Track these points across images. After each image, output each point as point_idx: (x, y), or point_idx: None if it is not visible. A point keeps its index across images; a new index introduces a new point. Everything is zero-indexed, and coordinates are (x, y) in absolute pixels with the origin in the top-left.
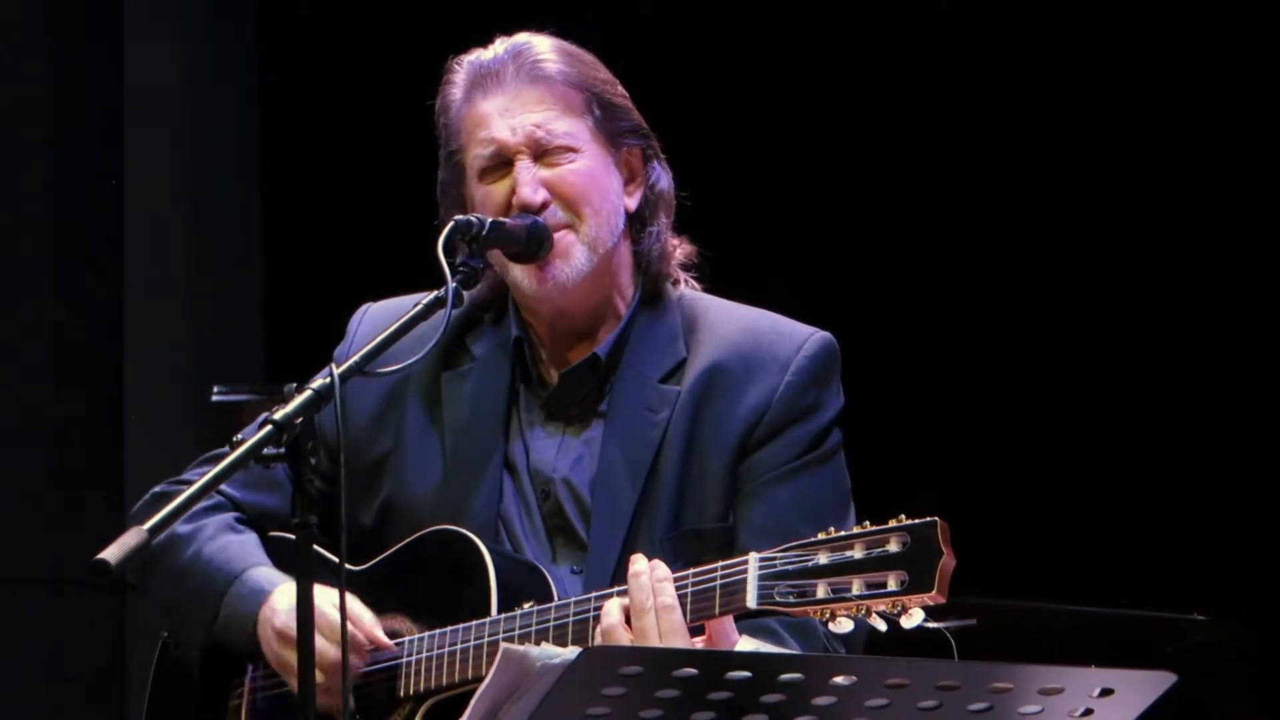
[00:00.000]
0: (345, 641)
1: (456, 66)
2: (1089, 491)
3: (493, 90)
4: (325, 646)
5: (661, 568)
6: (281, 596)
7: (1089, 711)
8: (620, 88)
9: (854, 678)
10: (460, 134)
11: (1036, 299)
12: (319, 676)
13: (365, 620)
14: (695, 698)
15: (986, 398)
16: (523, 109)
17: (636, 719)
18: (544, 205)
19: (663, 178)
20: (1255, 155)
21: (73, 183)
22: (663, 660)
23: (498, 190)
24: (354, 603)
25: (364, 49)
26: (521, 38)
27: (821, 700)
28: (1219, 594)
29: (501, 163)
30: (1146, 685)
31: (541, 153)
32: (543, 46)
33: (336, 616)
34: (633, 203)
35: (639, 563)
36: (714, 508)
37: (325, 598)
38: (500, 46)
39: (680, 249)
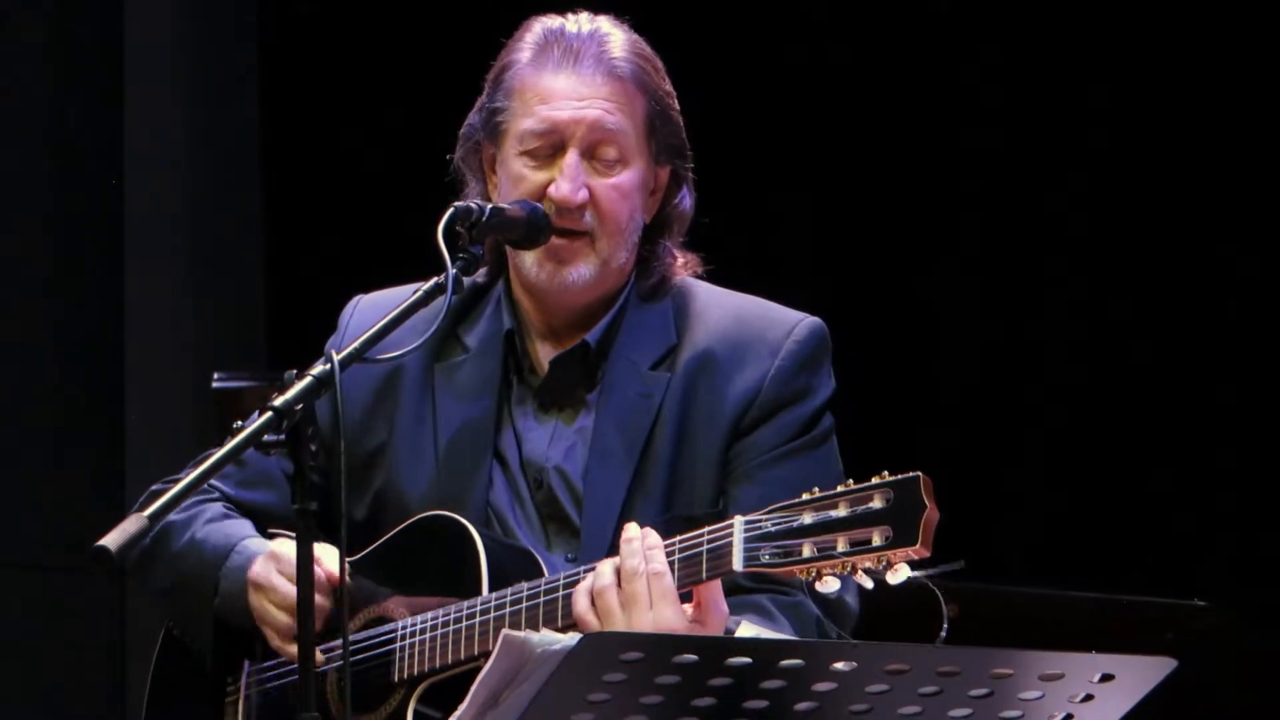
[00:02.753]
0: (346, 636)
1: (534, 25)
2: (1089, 478)
3: (565, 67)
4: (288, 588)
5: (653, 535)
6: (261, 546)
7: (1089, 697)
8: (676, 101)
9: (854, 664)
10: (514, 96)
11: (1037, 280)
12: (284, 618)
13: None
14: (696, 684)
15: (984, 385)
16: (592, 100)
17: (637, 705)
18: (581, 206)
19: (687, 199)
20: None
21: (73, 172)
22: (663, 646)
23: (536, 177)
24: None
25: (363, 43)
26: (605, 25)
27: (822, 686)
28: (1220, 580)
29: (550, 147)
30: (1147, 671)
31: (594, 152)
32: (622, 41)
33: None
34: (648, 216)
35: (631, 529)
36: (705, 492)
37: (290, 545)
38: (585, 24)
39: (687, 265)
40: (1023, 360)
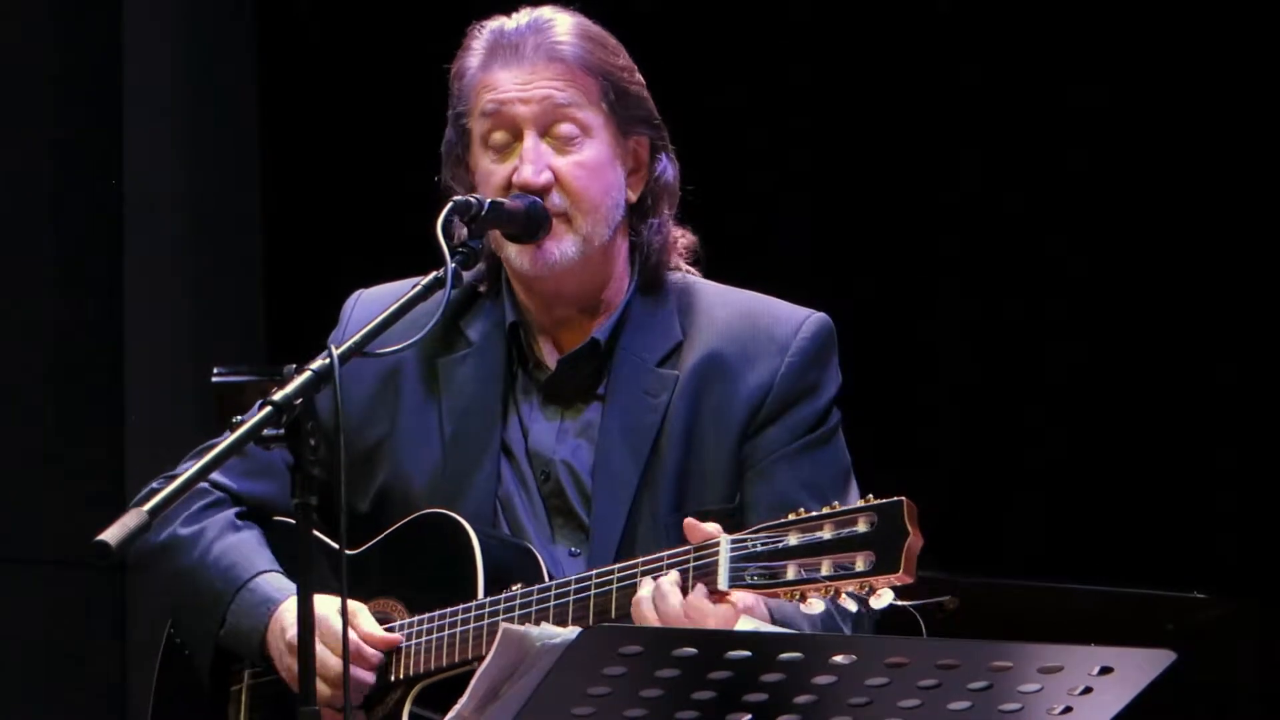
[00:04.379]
0: (346, 634)
1: (478, 31)
2: (1089, 469)
3: (510, 62)
4: (326, 655)
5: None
6: (290, 610)
7: (1088, 690)
8: (638, 74)
9: (854, 657)
10: (469, 99)
11: (1036, 278)
12: (323, 688)
13: (365, 625)
14: (695, 677)
15: (985, 376)
16: (536, 82)
17: (636, 699)
18: (545, 188)
19: (669, 170)
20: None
21: (73, 172)
22: (663, 640)
23: (501, 169)
24: (357, 609)
25: (363, 43)
26: (546, 13)
27: (821, 679)
28: (1219, 572)
29: (508, 135)
30: (1146, 663)
31: (551, 131)
32: (564, 26)
33: (338, 623)
34: (634, 194)
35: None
36: (718, 490)
37: (328, 606)
38: (524, 18)
39: (682, 239)
40: (1023, 354)
